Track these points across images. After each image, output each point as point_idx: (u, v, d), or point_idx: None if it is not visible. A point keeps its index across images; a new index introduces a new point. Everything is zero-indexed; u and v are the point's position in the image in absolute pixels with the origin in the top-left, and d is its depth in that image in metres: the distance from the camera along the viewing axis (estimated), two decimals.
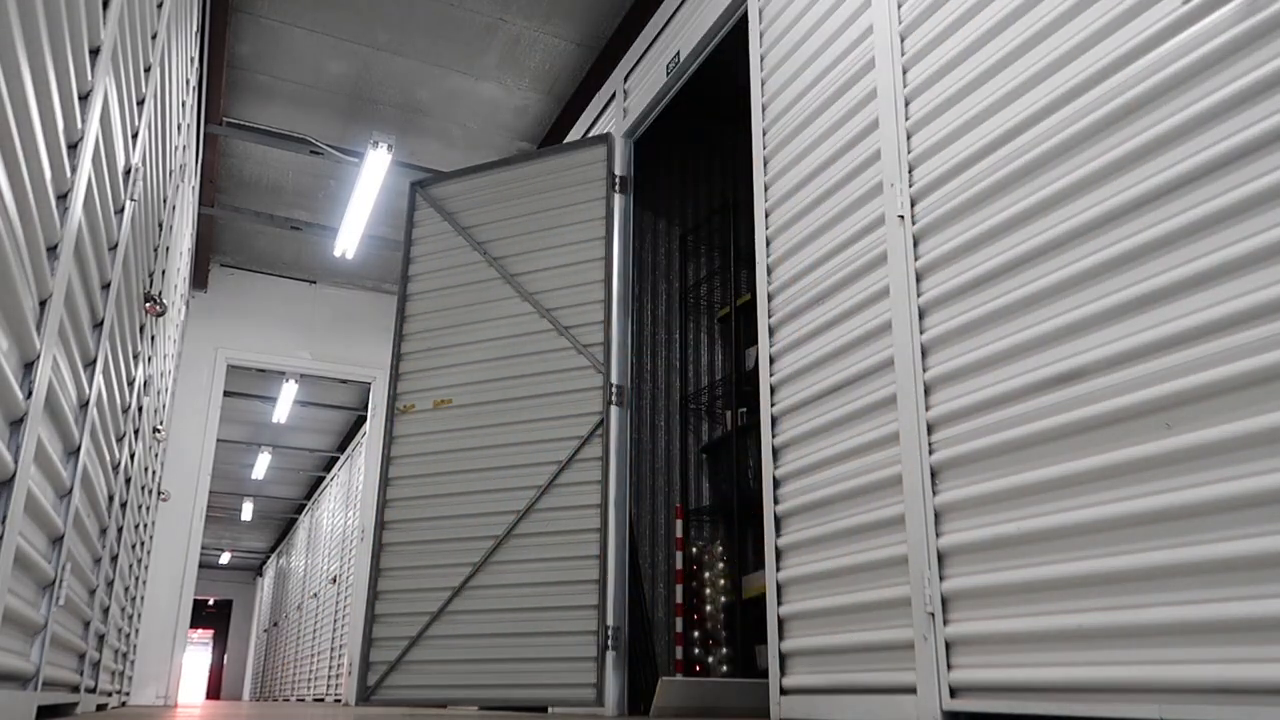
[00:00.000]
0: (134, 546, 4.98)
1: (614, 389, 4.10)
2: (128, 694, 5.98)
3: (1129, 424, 1.75)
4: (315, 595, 11.66)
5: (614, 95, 4.76)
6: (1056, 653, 1.82)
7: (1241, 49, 1.65)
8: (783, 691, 2.67)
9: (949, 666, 2.08)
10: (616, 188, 4.41)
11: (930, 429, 2.24)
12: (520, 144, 5.99)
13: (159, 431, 5.09)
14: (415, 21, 4.90)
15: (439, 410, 4.45)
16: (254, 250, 7.40)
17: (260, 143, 5.73)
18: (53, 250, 1.91)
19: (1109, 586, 1.74)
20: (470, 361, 4.45)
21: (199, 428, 7.09)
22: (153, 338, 4.18)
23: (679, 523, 4.71)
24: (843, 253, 2.70)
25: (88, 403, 2.54)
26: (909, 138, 2.48)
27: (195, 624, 22.06)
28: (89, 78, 2.01)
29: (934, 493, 2.20)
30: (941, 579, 2.13)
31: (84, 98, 2.00)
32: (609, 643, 3.74)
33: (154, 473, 5.67)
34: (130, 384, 3.53)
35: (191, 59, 4.16)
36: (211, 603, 22.36)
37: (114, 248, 2.66)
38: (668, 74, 4.14)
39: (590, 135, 4.87)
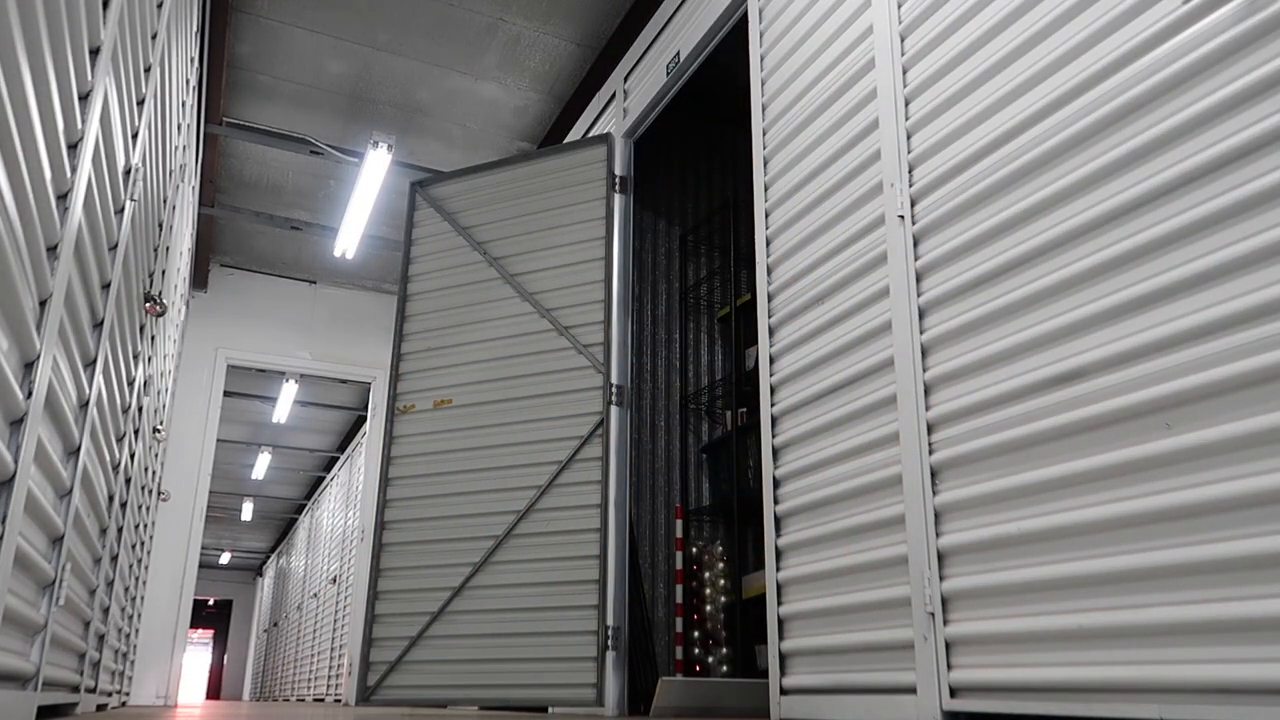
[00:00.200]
0: (134, 546, 4.98)
1: (614, 389, 4.10)
2: (128, 694, 5.98)
3: (1129, 424, 1.75)
4: (315, 595, 11.66)
5: (614, 95, 4.76)
6: (1056, 653, 1.82)
7: (1241, 49, 1.65)
8: (783, 691, 2.67)
9: (949, 666, 2.08)
10: (616, 188, 4.41)
11: (930, 429, 2.24)
12: (520, 144, 5.99)
13: (159, 431, 5.09)
14: (415, 21, 4.90)
15: (439, 410, 4.45)
16: (254, 250, 7.40)
17: (260, 143, 5.73)
18: (53, 250, 1.91)
19: (1109, 586, 1.74)
20: (470, 361, 4.45)
21: (199, 428, 7.09)
22: (153, 338, 4.18)
23: (679, 523, 4.71)
24: (843, 253, 2.70)
25: (88, 403, 2.54)
26: (909, 138, 2.48)
27: (195, 624, 22.06)
28: (89, 78, 2.01)
29: (934, 493, 2.20)
30: (941, 579, 2.13)
31: (84, 98, 2.00)
32: (609, 643, 3.74)
33: (154, 473, 5.67)
34: (130, 384, 3.53)
35: (191, 59, 4.16)
36: (211, 603, 22.36)
37: (114, 248, 2.66)
38: (668, 74, 4.14)
39: (590, 135, 4.87)
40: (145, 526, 5.54)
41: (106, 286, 2.64)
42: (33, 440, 1.84)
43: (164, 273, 4.05)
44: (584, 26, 4.92)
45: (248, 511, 15.81)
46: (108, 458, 3.20)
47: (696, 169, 5.42)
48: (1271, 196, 1.57)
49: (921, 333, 2.33)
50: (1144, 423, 1.72)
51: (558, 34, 4.98)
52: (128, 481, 3.97)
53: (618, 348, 4.18)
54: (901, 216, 2.44)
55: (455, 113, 5.67)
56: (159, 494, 6.18)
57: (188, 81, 4.06)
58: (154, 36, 2.87)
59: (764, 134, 3.21)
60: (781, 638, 2.71)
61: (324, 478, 13.42)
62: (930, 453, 2.22)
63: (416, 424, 4.48)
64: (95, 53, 2.05)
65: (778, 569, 2.77)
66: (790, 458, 2.81)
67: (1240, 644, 1.51)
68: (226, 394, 9.78)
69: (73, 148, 1.96)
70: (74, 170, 1.96)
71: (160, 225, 3.77)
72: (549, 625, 3.86)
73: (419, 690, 4.03)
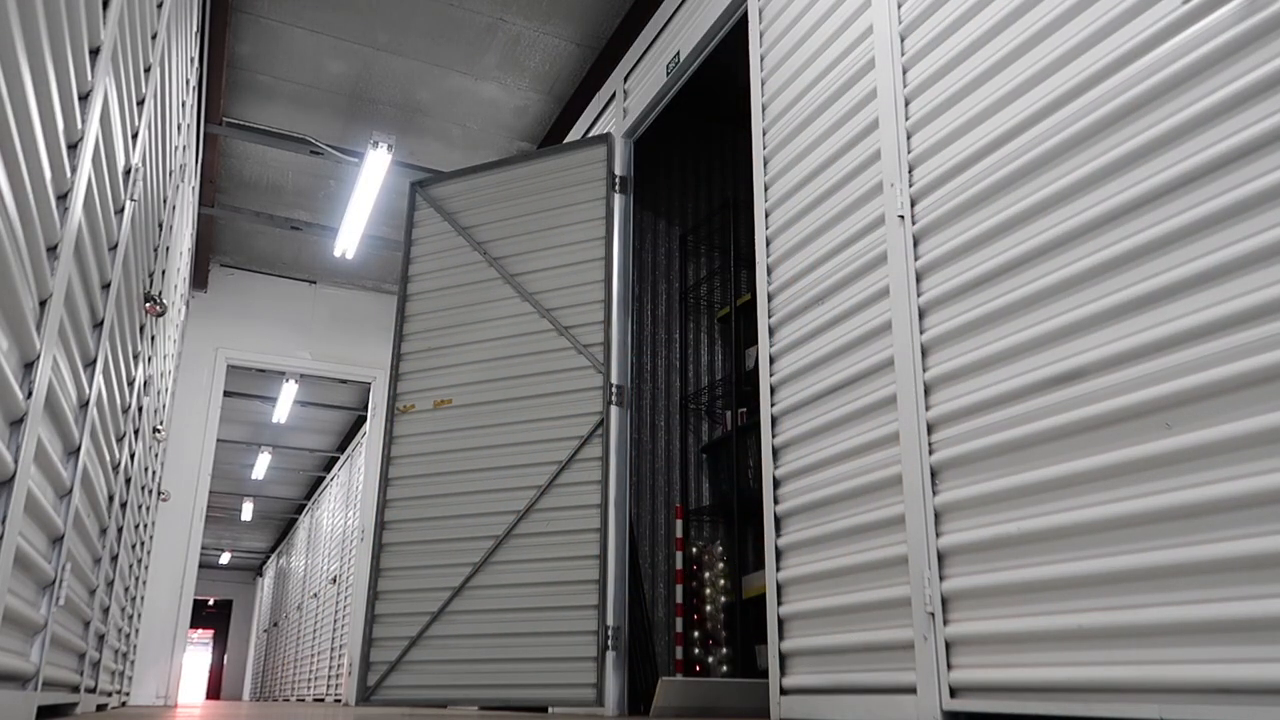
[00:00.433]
0: (134, 546, 4.98)
1: (614, 389, 4.10)
2: (128, 694, 5.98)
3: (1129, 424, 1.75)
4: (315, 595, 11.66)
5: (614, 95, 4.76)
6: (1056, 653, 1.82)
7: (1241, 49, 1.65)
8: (783, 691, 2.67)
9: (949, 666, 2.08)
10: (616, 188, 4.41)
11: (930, 429, 2.24)
12: (520, 144, 5.99)
13: (159, 431, 5.09)
14: (415, 21, 4.90)
15: (439, 410, 4.45)
16: (254, 250, 7.40)
17: (260, 143, 5.73)
18: (53, 250, 1.91)
19: (1109, 586, 1.74)
20: (470, 361, 4.45)
21: (199, 428, 7.09)
22: (153, 338, 4.18)
23: (679, 523, 4.71)
24: (843, 253, 2.70)
25: (88, 403, 2.54)
26: (909, 138, 2.48)
27: (195, 624, 22.06)
28: (89, 78, 2.01)
29: (934, 493, 2.20)
30: (941, 579, 2.13)
31: (84, 98, 2.00)
32: (609, 643, 3.74)
33: (154, 473, 5.67)
34: (130, 384, 3.53)
35: (191, 59, 4.16)
36: (211, 603, 22.36)
37: (114, 248, 2.66)
38: (668, 74, 4.14)
39: (590, 135, 4.87)
40: (145, 526, 5.54)
41: (106, 286, 2.64)
42: (33, 440, 1.84)
43: (164, 273, 4.05)
44: (584, 26, 4.92)
45: (248, 511, 15.81)
46: (108, 458, 3.20)
47: (696, 169, 5.42)
48: (1271, 196, 1.57)
49: (921, 333, 2.33)
50: (1144, 423, 1.72)
51: (558, 34, 4.98)
52: (128, 481, 3.97)
53: (618, 348, 4.18)
54: (901, 216, 2.44)
55: (455, 113, 5.67)
56: (159, 494, 6.19)
57: (188, 81, 4.06)
58: (154, 36, 2.87)
59: (764, 134, 3.21)
60: (781, 638, 2.71)
61: (324, 478, 13.42)
62: (930, 453, 2.22)
63: (416, 424, 4.48)
64: (95, 53, 2.05)
65: (778, 569, 2.77)
66: (790, 458, 2.81)
67: (1240, 644, 1.51)
68: (226, 394, 9.78)
69: (73, 148, 1.96)
70: (74, 170, 1.96)
71: (160, 225, 3.77)
72: (549, 625, 3.86)
73: (419, 690, 4.03)
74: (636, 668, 4.13)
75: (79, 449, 2.48)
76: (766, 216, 3.12)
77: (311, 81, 5.40)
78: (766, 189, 3.14)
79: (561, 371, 4.21)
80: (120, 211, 2.68)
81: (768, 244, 3.09)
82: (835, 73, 2.86)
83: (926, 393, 2.28)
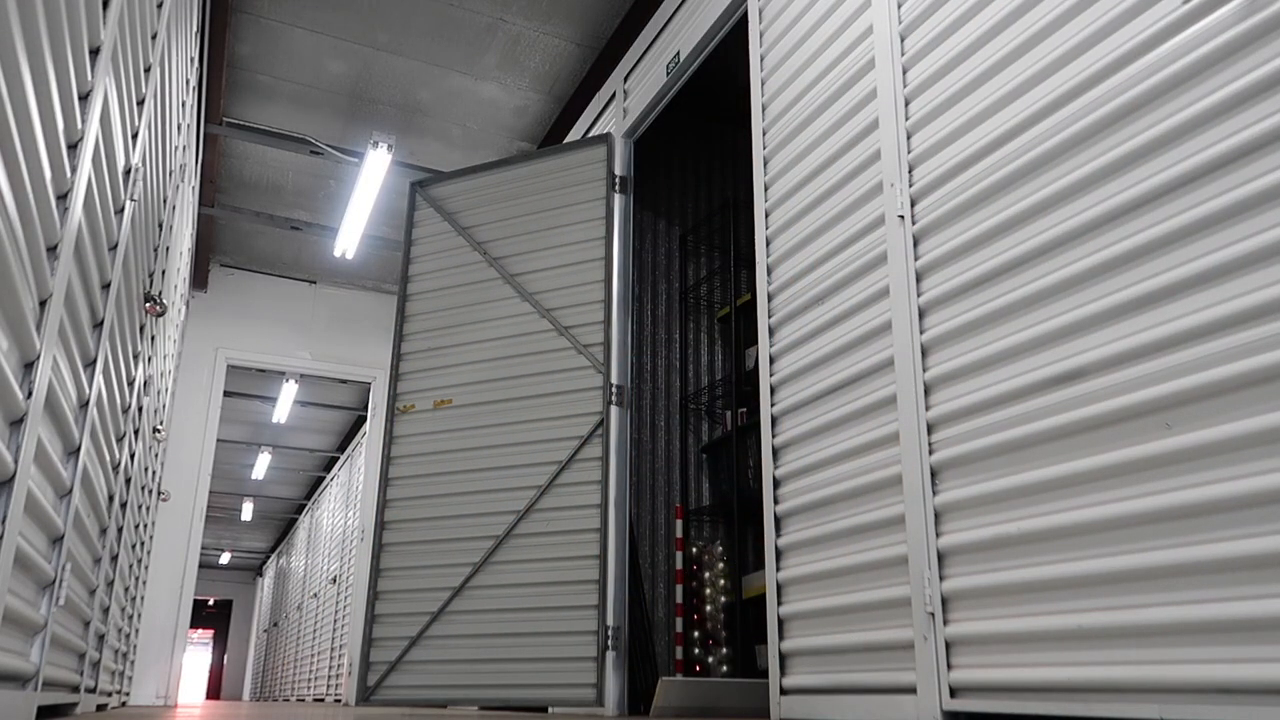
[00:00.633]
0: (134, 546, 4.98)
1: (614, 389, 4.10)
2: (128, 694, 5.98)
3: (1129, 424, 1.75)
4: (315, 595, 11.66)
5: (614, 95, 4.76)
6: (1056, 653, 1.82)
7: (1241, 49, 1.65)
8: (783, 691, 2.67)
9: (949, 666, 2.08)
10: (616, 188, 4.41)
11: (930, 429, 2.24)
12: (520, 144, 5.99)
13: (159, 431, 5.09)
14: (415, 21, 4.90)
15: (439, 410, 4.45)
16: (254, 250, 7.40)
17: (260, 143, 5.73)
18: (53, 250, 1.91)
19: (1109, 586, 1.74)
20: (470, 361, 4.45)
21: (199, 428, 7.09)
22: (153, 338, 4.18)
23: (679, 523, 4.71)
24: (843, 253, 2.70)
25: (88, 403, 2.54)
26: (909, 138, 2.48)
27: (195, 624, 22.06)
28: (89, 78, 2.01)
29: (934, 493, 2.20)
30: (941, 579, 2.13)
31: (84, 98, 2.00)
32: (609, 643, 3.74)
33: (154, 473, 5.67)
34: (130, 384, 3.53)
35: (191, 59, 4.16)
36: (211, 603, 22.36)
37: (114, 248, 2.66)
38: (668, 74, 4.14)
39: (590, 135, 4.87)
40: (145, 526, 5.54)
41: (106, 286, 2.64)
42: (33, 440, 1.84)
43: (164, 273, 4.05)
44: (584, 26, 4.92)
45: (248, 511, 15.81)
46: (108, 458, 3.20)
47: (696, 169, 5.42)
48: (1271, 196, 1.57)
49: (921, 333, 2.33)
50: (1144, 423, 1.72)
51: (558, 34, 4.98)
52: (128, 481, 3.97)
53: (618, 348, 4.18)
54: (901, 216, 2.44)
55: (455, 113, 5.67)
56: (159, 494, 6.19)
57: (188, 81, 4.06)
58: (154, 36, 2.87)
59: (764, 134, 3.21)
60: (781, 638, 2.71)
61: (324, 478, 13.42)
62: (930, 453, 2.22)
63: (416, 424, 4.48)
64: (95, 53, 2.05)
65: (778, 569, 2.77)
66: (790, 458, 2.81)
67: (1240, 644, 1.51)
68: (226, 394, 9.78)
69: (73, 148, 1.96)
70: (74, 170, 1.96)
71: (160, 225, 3.77)
72: (549, 625, 3.86)
73: (419, 690, 4.03)
74: (636, 668, 4.13)
75: (79, 449, 2.48)
76: (766, 216, 3.12)
77: (311, 81, 5.40)
78: (766, 189, 3.14)
79: (561, 371, 4.21)
80: (120, 211, 2.68)
81: (768, 244, 3.09)
82: (835, 73, 2.86)
83: (926, 393, 2.28)
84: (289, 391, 9.31)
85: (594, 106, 5.09)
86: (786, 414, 2.86)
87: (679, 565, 4.62)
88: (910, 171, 2.46)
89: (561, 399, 4.17)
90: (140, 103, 2.76)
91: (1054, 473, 1.88)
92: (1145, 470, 1.70)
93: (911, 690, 2.19)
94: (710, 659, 4.58)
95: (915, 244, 2.40)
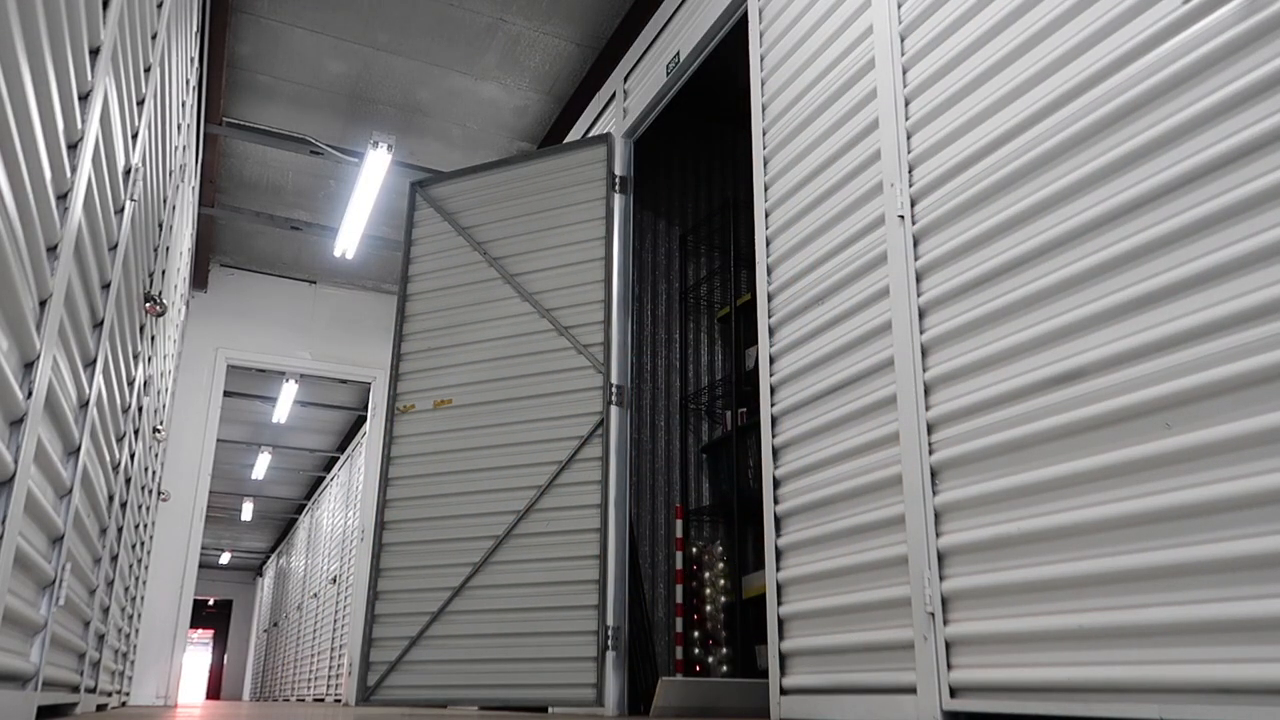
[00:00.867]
0: (134, 546, 4.98)
1: (614, 389, 4.10)
2: (128, 694, 5.98)
3: (1129, 424, 1.75)
4: (315, 595, 11.66)
5: (614, 95, 4.76)
6: (1056, 653, 1.82)
7: (1241, 49, 1.65)
8: (783, 691, 2.67)
9: (949, 666, 2.08)
10: (616, 188, 4.41)
11: (930, 429, 2.24)
12: (520, 144, 5.99)
13: (159, 431, 5.09)
14: (415, 21, 4.90)
15: (439, 410, 4.45)
16: (254, 250, 7.40)
17: (260, 143, 5.73)
18: (53, 250, 1.91)
19: (1109, 586, 1.74)
20: (470, 361, 4.45)
21: (199, 428, 7.09)
22: (153, 338, 4.18)
23: (679, 523, 4.71)
24: (843, 253, 2.70)
25: (88, 403, 2.54)
26: (909, 138, 2.48)
27: (195, 624, 22.06)
28: (89, 78, 2.01)
29: (934, 493, 2.20)
30: (941, 579, 2.13)
31: (84, 98, 2.00)
32: (609, 643, 3.74)
33: (154, 473, 5.67)
34: (130, 384, 3.53)
35: (191, 59, 4.16)
36: (211, 603, 22.36)
37: (114, 248, 2.66)
38: (668, 74, 4.14)
39: (590, 135, 4.87)
40: (145, 526, 5.54)
41: (106, 286, 2.64)
42: (33, 440, 1.84)
43: (164, 273, 4.05)
44: (584, 26, 4.92)
45: (248, 511, 15.81)
46: (108, 458, 3.20)
47: (696, 169, 5.42)
48: (1271, 196, 1.57)
49: (921, 333, 2.33)
50: (1144, 423, 1.72)
51: (558, 34, 4.98)
52: (128, 481, 3.97)
53: (618, 348, 4.18)
54: (901, 216, 2.44)
55: (455, 113, 5.67)
56: (159, 494, 6.19)
57: (188, 81, 4.06)
58: (154, 36, 2.87)
59: (764, 134, 3.21)
60: (781, 638, 2.71)
61: (324, 478, 13.42)
62: (930, 453, 2.22)
63: (416, 424, 4.48)
64: (95, 53, 2.05)
65: (778, 569, 2.77)
66: (790, 458, 2.81)
67: (1240, 644, 1.51)
68: (226, 394, 9.78)
69: (73, 148, 1.96)
70: (74, 170, 1.96)
71: (160, 225, 3.77)
72: (549, 625, 3.86)
73: (419, 690, 4.03)
74: (636, 668, 4.13)
75: (79, 449, 2.48)
76: (766, 216, 3.12)
77: (311, 81, 5.40)
78: (766, 189, 3.14)
79: (561, 371, 4.21)
80: (120, 211, 2.68)
81: (768, 244, 3.09)
82: (835, 73, 2.86)
83: (926, 393, 2.28)
84: (289, 391, 9.31)
85: (594, 106, 5.09)
86: (786, 414, 2.86)
87: (679, 565, 4.62)
88: (910, 171, 2.46)
89: (561, 399, 4.17)
90: (140, 103, 2.76)
91: (1054, 473, 1.88)
92: (1145, 470, 1.70)
93: (911, 690, 2.19)
94: (710, 659, 4.58)
95: (915, 244, 2.40)
